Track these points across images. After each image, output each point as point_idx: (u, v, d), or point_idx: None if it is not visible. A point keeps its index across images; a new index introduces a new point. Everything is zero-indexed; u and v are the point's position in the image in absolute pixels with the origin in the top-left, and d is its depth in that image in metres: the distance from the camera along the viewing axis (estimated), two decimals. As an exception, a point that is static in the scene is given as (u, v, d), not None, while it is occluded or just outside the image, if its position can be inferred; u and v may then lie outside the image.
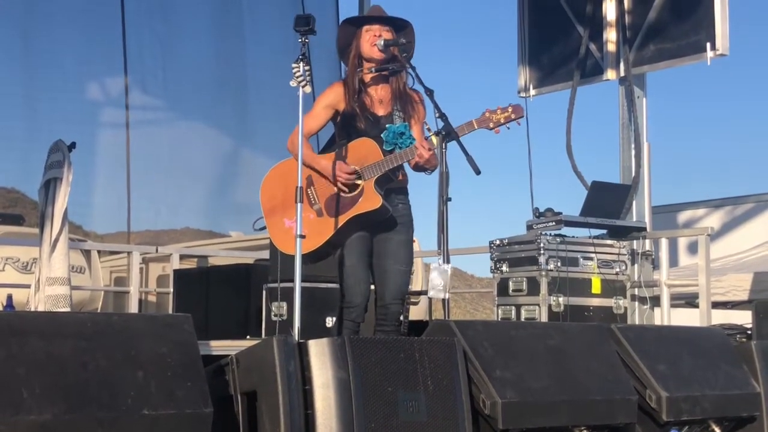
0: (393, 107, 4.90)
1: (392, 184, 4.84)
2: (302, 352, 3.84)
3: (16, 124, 9.55)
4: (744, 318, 8.17)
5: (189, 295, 7.76)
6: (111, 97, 10.19)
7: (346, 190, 4.77)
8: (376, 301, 4.86)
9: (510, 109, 4.74)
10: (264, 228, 4.94)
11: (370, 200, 4.75)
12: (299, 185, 4.45)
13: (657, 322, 7.75)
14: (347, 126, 4.85)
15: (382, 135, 4.78)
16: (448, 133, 4.60)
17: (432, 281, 4.57)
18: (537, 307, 7.12)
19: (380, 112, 4.89)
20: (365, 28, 4.89)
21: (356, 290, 4.77)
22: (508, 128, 4.76)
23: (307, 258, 4.65)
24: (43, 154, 6.17)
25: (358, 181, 4.75)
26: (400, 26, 4.93)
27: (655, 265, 8.04)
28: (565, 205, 7.53)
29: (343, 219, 4.74)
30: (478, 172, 4.55)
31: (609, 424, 4.58)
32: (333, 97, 4.87)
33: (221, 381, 3.89)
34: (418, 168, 4.85)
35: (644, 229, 8.00)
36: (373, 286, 4.92)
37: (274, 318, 6.80)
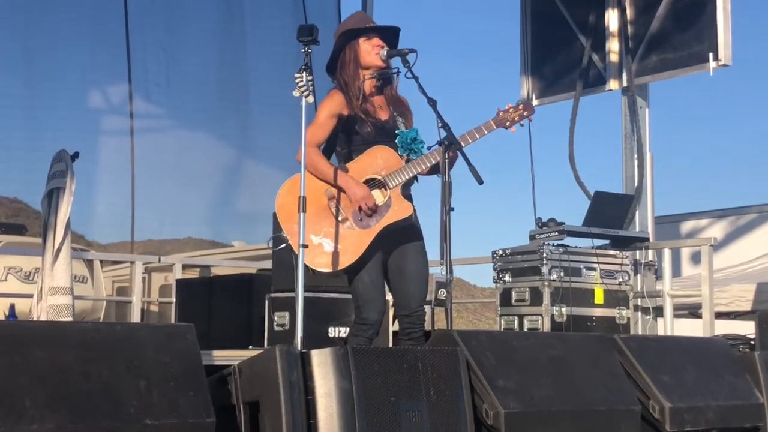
0: (392, 112, 4.90)
1: (408, 192, 4.84)
2: (305, 361, 3.83)
3: (19, 133, 9.56)
4: (747, 328, 8.16)
5: (191, 304, 7.76)
6: (115, 107, 10.20)
7: (366, 215, 4.68)
8: (397, 310, 4.80)
9: (521, 107, 4.81)
10: (282, 247, 4.77)
11: (402, 208, 4.73)
12: (302, 195, 4.42)
13: (660, 332, 7.75)
14: (350, 132, 4.81)
15: (396, 141, 4.79)
16: (451, 143, 4.61)
17: (435, 291, 4.57)
18: (540, 317, 7.11)
19: (383, 116, 4.88)
20: (363, 38, 4.90)
21: (375, 307, 4.71)
22: (522, 125, 4.81)
23: (340, 272, 4.66)
24: (46, 164, 6.18)
25: (384, 191, 4.73)
26: (391, 34, 4.95)
27: (658, 276, 8.03)
28: (567, 215, 7.53)
29: (376, 230, 4.67)
30: (480, 182, 4.55)
31: (612, 434, 4.58)
32: (336, 106, 4.81)
33: (224, 391, 3.88)
34: (430, 172, 4.86)
35: (647, 239, 8.00)
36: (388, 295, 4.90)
37: (276, 328, 6.79)
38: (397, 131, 4.83)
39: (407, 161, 4.77)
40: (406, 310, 4.76)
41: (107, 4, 10.07)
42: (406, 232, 4.79)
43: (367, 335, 4.70)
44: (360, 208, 4.65)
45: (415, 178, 4.81)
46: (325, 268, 4.62)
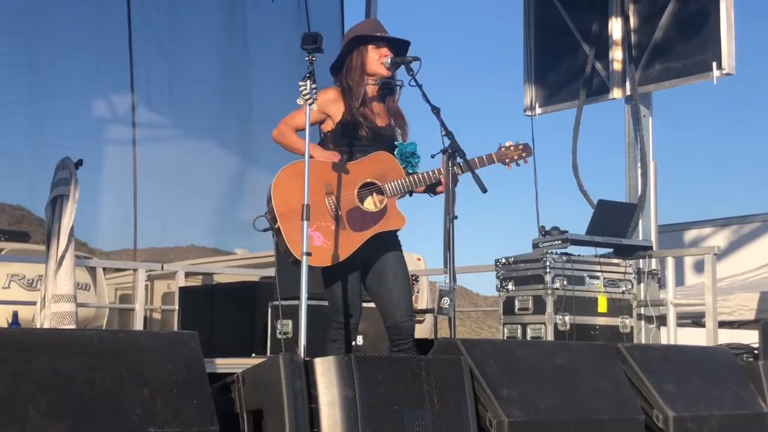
0: (389, 121, 4.92)
1: None
2: (308, 370, 3.82)
3: (22, 141, 9.58)
4: (751, 337, 8.15)
5: (194, 312, 7.76)
6: (118, 115, 10.22)
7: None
8: (383, 320, 4.79)
9: (521, 147, 4.93)
10: (267, 229, 4.78)
11: (397, 219, 4.74)
12: (305, 203, 4.43)
13: (663, 341, 7.73)
14: (351, 133, 4.82)
15: (395, 152, 4.80)
16: (455, 152, 4.61)
17: (438, 300, 4.56)
18: (543, 325, 7.10)
19: (380, 123, 4.89)
20: (372, 45, 4.91)
21: (357, 309, 4.75)
22: (518, 165, 4.94)
23: (321, 269, 4.66)
24: (49, 172, 6.18)
25: (380, 198, 4.73)
26: (400, 46, 4.96)
27: (662, 284, 8.03)
28: (571, 224, 7.53)
29: (367, 234, 4.68)
30: (484, 191, 4.56)
31: (616, 443, 4.56)
32: (326, 101, 4.80)
33: (227, 399, 3.88)
34: (424, 190, 4.87)
35: (650, 247, 7.99)
36: (370, 305, 4.89)
37: (279, 335, 6.79)
38: (396, 142, 4.85)
39: (406, 174, 4.78)
40: (391, 321, 4.73)
41: (110, 13, 10.09)
42: (387, 241, 4.79)
43: (348, 339, 4.71)
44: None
45: (410, 192, 4.82)
46: (312, 261, 4.59)
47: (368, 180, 4.75)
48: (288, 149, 4.85)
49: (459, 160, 4.69)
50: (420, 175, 4.77)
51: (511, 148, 4.90)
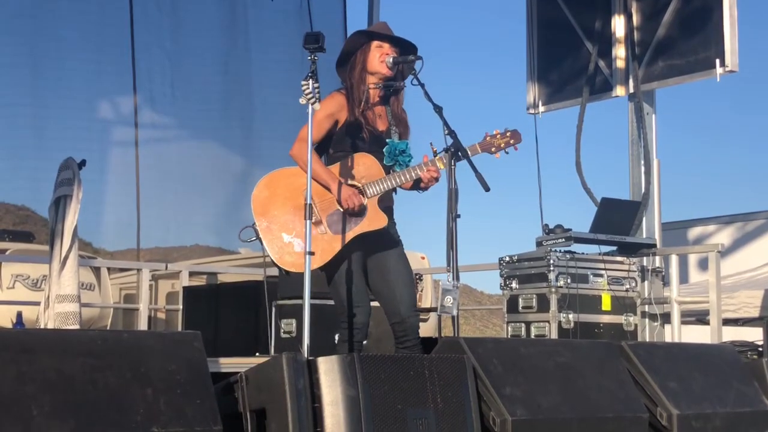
0: (389, 124, 4.89)
1: (388, 203, 4.82)
2: (311, 369, 3.83)
3: (26, 142, 9.58)
4: (755, 335, 8.15)
5: (198, 312, 7.77)
6: (121, 116, 10.22)
7: (349, 212, 4.69)
8: (388, 318, 4.78)
9: (509, 134, 4.83)
10: (252, 240, 4.80)
11: (377, 219, 4.71)
12: (308, 202, 4.42)
13: (667, 339, 7.73)
14: (351, 137, 4.80)
15: (384, 150, 4.77)
16: (457, 150, 4.60)
17: (441, 298, 4.56)
18: (547, 324, 7.10)
19: (380, 127, 4.87)
20: (375, 43, 4.89)
21: (362, 309, 4.72)
22: (507, 153, 4.83)
23: (324, 272, 4.65)
24: (53, 172, 6.18)
25: (363, 201, 4.71)
26: (407, 48, 4.94)
27: (666, 282, 8.02)
28: (574, 222, 7.54)
29: (348, 237, 4.67)
30: (487, 189, 4.55)
31: (620, 441, 4.56)
32: (334, 107, 4.79)
33: (230, 398, 3.88)
34: (411, 187, 4.85)
35: (654, 245, 7.99)
36: (375, 303, 4.88)
37: (283, 335, 6.79)
38: (388, 140, 4.81)
39: (390, 172, 4.75)
40: (396, 317, 4.72)
41: (112, 14, 10.09)
42: (384, 239, 4.77)
43: (358, 338, 4.71)
44: (348, 208, 4.63)
45: (394, 190, 4.80)
46: (292, 268, 4.62)
47: (348, 183, 4.72)
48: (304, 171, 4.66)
49: (441, 153, 4.65)
50: (400, 173, 4.73)
51: (498, 135, 4.80)
